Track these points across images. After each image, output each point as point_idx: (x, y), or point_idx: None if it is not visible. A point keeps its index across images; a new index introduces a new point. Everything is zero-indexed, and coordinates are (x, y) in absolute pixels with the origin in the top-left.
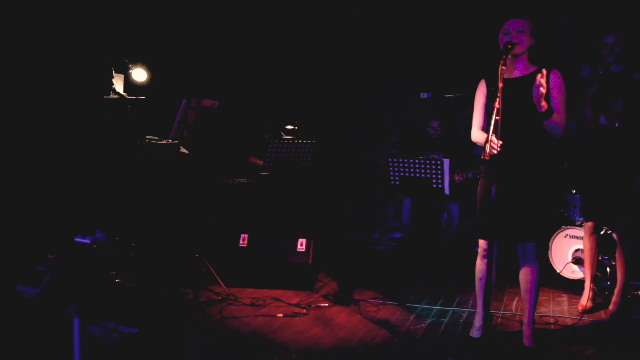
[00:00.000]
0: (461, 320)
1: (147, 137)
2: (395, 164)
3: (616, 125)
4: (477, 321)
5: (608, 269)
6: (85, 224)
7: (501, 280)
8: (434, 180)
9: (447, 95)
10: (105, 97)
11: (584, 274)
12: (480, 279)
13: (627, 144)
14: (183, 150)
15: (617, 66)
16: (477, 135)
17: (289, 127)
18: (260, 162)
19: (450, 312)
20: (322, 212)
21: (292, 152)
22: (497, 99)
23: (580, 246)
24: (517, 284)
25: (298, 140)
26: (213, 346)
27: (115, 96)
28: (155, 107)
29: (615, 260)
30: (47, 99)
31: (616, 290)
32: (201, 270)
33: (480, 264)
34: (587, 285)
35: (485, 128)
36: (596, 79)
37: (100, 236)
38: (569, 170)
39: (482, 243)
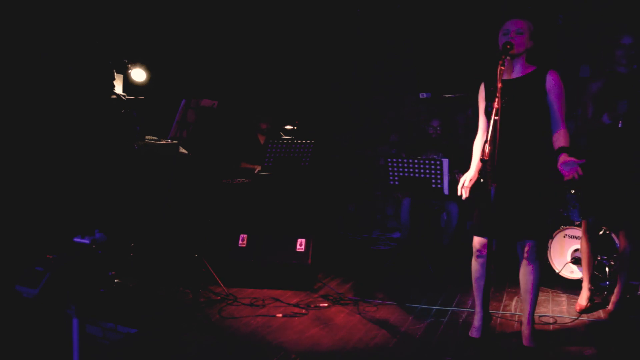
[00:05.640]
0: (460, 320)
1: (147, 137)
2: (395, 164)
3: (619, 125)
4: (476, 321)
5: (607, 269)
6: (85, 224)
7: (501, 280)
8: (433, 181)
9: (447, 96)
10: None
11: (582, 274)
12: (477, 279)
13: (630, 145)
14: (182, 150)
15: (628, 68)
16: (475, 144)
17: (289, 127)
18: (253, 167)
19: (450, 312)
20: (321, 212)
21: (291, 152)
22: (496, 99)
23: (580, 246)
24: (517, 284)
25: (297, 141)
26: (212, 346)
27: (114, 96)
28: (154, 107)
29: (614, 260)
30: (46, 99)
31: (616, 290)
32: (201, 271)
33: (475, 265)
34: (585, 285)
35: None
36: (600, 76)
37: (100, 236)
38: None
39: (476, 244)
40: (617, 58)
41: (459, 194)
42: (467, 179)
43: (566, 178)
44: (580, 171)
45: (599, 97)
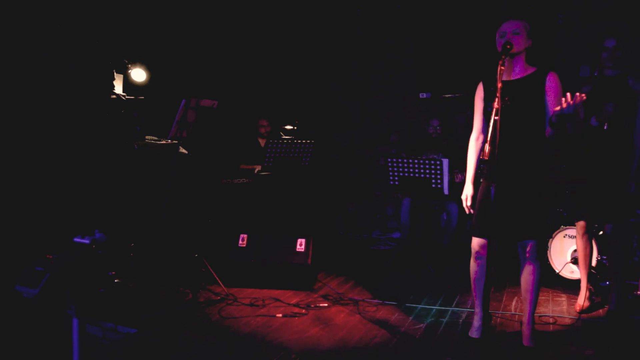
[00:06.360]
0: (460, 321)
1: (147, 137)
2: (395, 164)
3: (605, 127)
4: (476, 321)
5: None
6: (85, 224)
7: (501, 280)
8: (433, 181)
9: (447, 96)
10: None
11: (579, 274)
12: (475, 280)
13: (616, 148)
14: (182, 150)
15: (615, 70)
16: (471, 145)
17: (289, 127)
18: (252, 167)
19: (450, 312)
20: (321, 212)
21: (291, 152)
22: (497, 99)
23: None
24: (517, 284)
25: (297, 141)
26: (212, 346)
27: (114, 96)
28: (154, 107)
29: None
30: (46, 99)
31: (612, 290)
32: (200, 271)
33: (473, 266)
34: (583, 284)
35: (484, 133)
36: (592, 80)
37: (100, 236)
38: (567, 170)
39: (475, 245)
40: (603, 61)
41: (467, 212)
42: (467, 197)
43: (557, 108)
44: (571, 100)
45: (588, 101)
